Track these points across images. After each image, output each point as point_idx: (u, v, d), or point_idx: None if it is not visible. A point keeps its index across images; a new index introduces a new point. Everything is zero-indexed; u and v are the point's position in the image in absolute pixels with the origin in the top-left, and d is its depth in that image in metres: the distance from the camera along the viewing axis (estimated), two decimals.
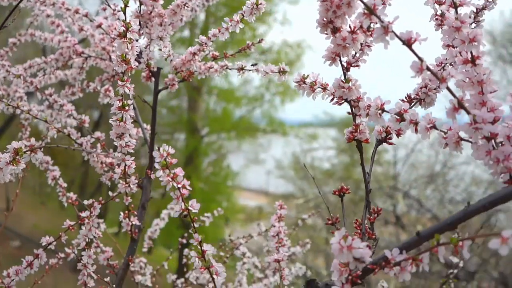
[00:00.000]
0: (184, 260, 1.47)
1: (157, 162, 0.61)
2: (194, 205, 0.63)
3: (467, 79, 0.54)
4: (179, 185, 0.61)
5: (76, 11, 1.10)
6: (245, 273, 1.38)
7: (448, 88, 0.51)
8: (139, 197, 1.07)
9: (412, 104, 0.69)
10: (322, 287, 0.57)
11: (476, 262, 5.75)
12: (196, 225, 0.66)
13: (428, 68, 0.50)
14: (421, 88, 0.69)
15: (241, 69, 0.93)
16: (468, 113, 0.51)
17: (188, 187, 0.62)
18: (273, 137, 11.14)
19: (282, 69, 0.82)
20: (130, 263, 0.99)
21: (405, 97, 0.69)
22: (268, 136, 11.17)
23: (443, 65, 0.70)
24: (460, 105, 0.51)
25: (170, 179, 0.61)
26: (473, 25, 0.71)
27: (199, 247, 0.65)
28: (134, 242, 1.00)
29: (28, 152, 0.66)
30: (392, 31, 0.49)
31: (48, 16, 1.20)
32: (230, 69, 0.95)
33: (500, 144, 0.51)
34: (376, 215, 0.63)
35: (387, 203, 5.92)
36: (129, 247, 1.00)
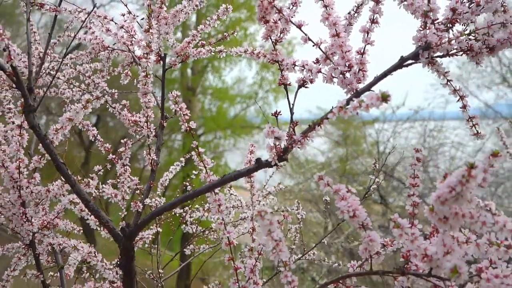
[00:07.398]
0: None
1: (170, 99, 1.08)
2: (193, 124, 1.10)
3: (334, 45, 1.01)
4: (184, 113, 1.09)
5: (105, 17, 1.57)
6: (232, 208, 1.86)
7: (320, 49, 0.98)
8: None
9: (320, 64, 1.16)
10: (264, 161, 1.04)
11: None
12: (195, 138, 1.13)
13: (309, 39, 0.97)
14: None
15: (221, 51, 1.42)
16: (331, 61, 0.98)
17: (189, 114, 1.09)
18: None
19: (246, 49, 1.30)
20: (151, 186, 1.46)
21: (316, 59, 1.17)
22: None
23: None
24: (327, 57, 0.98)
25: (178, 109, 1.09)
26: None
27: (197, 150, 1.12)
28: (154, 172, 1.47)
29: (95, 100, 1.13)
30: (290, 21, 0.97)
31: (82, 21, 1.67)
32: (213, 52, 1.43)
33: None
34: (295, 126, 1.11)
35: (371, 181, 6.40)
36: (151, 176, 1.47)
